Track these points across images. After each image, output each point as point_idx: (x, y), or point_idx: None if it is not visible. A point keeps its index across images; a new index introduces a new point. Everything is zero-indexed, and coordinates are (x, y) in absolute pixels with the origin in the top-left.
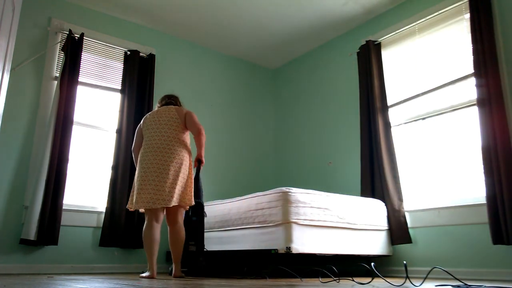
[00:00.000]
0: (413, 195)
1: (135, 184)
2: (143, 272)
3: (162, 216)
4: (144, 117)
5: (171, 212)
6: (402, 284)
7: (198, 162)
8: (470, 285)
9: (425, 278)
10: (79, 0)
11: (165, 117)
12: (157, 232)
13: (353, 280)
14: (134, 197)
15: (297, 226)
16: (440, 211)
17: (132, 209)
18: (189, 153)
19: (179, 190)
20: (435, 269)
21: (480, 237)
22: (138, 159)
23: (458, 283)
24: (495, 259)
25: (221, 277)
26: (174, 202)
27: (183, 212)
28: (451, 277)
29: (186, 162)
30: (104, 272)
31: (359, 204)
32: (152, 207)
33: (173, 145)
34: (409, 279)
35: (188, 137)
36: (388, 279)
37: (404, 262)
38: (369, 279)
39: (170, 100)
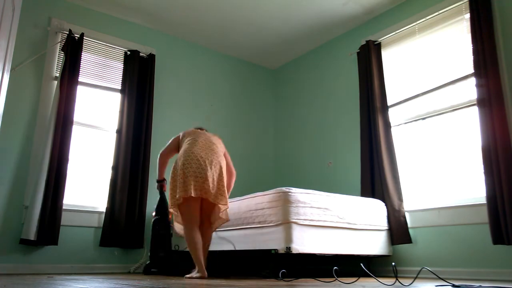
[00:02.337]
0: (413, 195)
1: (187, 173)
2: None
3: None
4: (184, 131)
5: (214, 213)
6: (393, 284)
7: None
8: (470, 285)
9: (415, 278)
10: (79, 0)
11: (213, 139)
12: (199, 234)
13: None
14: (188, 185)
15: (297, 226)
16: (440, 211)
17: (182, 199)
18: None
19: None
20: (434, 268)
21: (480, 237)
22: (183, 153)
23: (458, 283)
24: (495, 259)
25: (222, 277)
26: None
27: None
28: (449, 277)
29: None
30: (104, 272)
31: (359, 204)
32: (214, 201)
33: (221, 160)
34: (398, 279)
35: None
36: (386, 279)
37: (393, 263)
38: (370, 280)
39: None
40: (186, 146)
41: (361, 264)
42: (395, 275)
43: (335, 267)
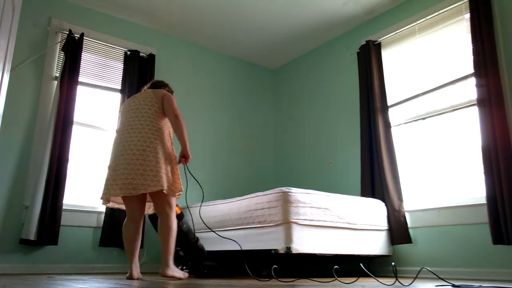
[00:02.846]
0: (413, 195)
1: (107, 173)
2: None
3: (139, 213)
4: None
5: (155, 200)
6: (393, 284)
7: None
8: (470, 285)
9: (415, 278)
10: (79, 0)
11: (142, 100)
12: (132, 230)
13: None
14: (106, 187)
15: (297, 226)
16: (440, 211)
17: (106, 204)
18: (164, 140)
19: (165, 175)
20: (434, 268)
21: (480, 237)
22: (112, 145)
23: (458, 283)
24: (495, 259)
25: (222, 277)
26: (157, 187)
27: (174, 201)
28: (449, 277)
29: (160, 148)
30: (104, 272)
31: (359, 204)
32: (129, 194)
33: (148, 130)
34: (398, 279)
35: (167, 125)
36: (386, 279)
37: (393, 263)
38: (370, 280)
39: (154, 84)
40: (116, 134)
41: (361, 264)
42: (395, 275)
43: (335, 267)
